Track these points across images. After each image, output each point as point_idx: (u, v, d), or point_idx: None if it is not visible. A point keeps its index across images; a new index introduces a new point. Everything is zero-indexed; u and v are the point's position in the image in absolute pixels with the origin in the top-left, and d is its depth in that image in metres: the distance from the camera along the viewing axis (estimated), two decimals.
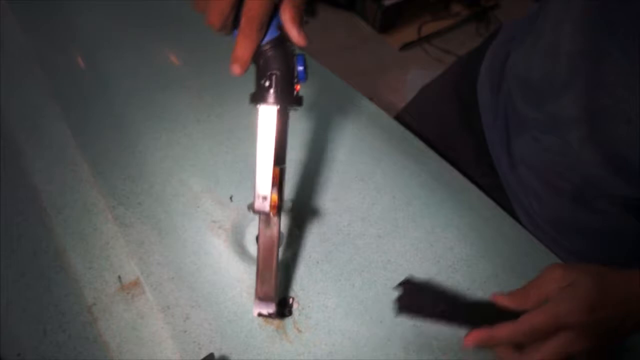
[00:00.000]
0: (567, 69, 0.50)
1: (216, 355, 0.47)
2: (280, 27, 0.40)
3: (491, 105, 0.66)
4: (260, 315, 0.48)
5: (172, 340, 0.48)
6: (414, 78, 1.99)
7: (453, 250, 0.55)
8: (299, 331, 0.49)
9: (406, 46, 2.10)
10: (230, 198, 0.59)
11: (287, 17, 0.39)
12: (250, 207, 0.44)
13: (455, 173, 0.63)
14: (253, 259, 0.55)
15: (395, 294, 0.48)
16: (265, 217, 0.46)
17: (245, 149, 0.64)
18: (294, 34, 0.40)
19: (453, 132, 0.75)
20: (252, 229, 0.58)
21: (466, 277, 0.53)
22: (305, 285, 0.52)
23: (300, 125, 0.67)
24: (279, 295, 0.50)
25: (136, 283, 0.52)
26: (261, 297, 0.47)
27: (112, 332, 0.48)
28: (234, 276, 0.53)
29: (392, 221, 0.58)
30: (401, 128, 0.68)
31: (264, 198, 0.42)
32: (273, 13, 0.39)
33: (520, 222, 0.61)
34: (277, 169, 0.43)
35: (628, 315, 0.41)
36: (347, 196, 0.60)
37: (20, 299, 0.51)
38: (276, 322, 0.50)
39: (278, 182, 0.44)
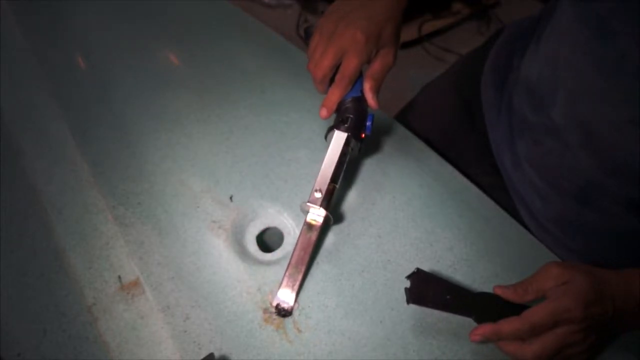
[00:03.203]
0: (556, 77, 0.51)
1: (216, 355, 0.47)
2: (361, 91, 0.55)
3: (495, 104, 0.66)
4: (277, 306, 0.50)
5: (172, 340, 0.48)
6: (415, 77, 1.98)
7: (453, 250, 0.55)
8: (299, 331, 0.49)
9: (406, 45, 2.09)
10: (230, 198, 0.59)
11: (367, 86, 0.54)
12: (302, 206, 0.53)
13: (455, 173, 0.63)
14: (253, 259, 0.55)
15: (400, 287, 0.49)
16: (308, 223, 0.53)
17: (245, 149, 0.64)
18: (370, 99, 0.54)
19: (454, 131, 0.75)
20: (252, 229, 0.58)
21: (466, 277, 0.53)
22: (305, 285, 0.52)
23: (301, 126, 0.67)
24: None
25: (136, 283, 0.52)
26: (284, 290, 0.51)
27: (112, 332, 0.49)
28: (234, 276, 0.53)
29: (392, 221, 0.58)
30: (401, 128, 0.68)
31: (319, 192, 0.52)
32: (359, 78, 0.55)
33: (522, 221, 0.61)
34: (332, 186, 0.53)
35: (620, 312, 0.43)
36: (347, 196, 0.60)
37: (20, 299, 0.51)
38: (276, 322, 0.50)
39: (330, 195, 0.53)
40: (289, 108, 0.69)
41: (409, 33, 2.12)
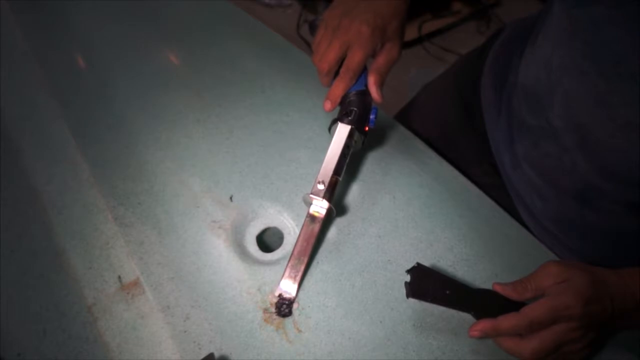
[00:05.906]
0: (553, 80, 0.51)
1: (216, 355, 0.47)
2: (366, 85, 0.55)
3: (495, 105, 0.66)
4: (277, 303, 0.51)
5: (172, 340, 0.48)
6: (415, 77, 1.98)
7: (453, 250, 0.55)
8: (299, 331, 0.49)
9: (406, 45, 2.09)
10: (230, 198, 0.59)
11: (371, 80, 0.54)
12: (305, 198, 0.53)
13: (455, 173, 0.63)
14: (253, 258, 0.55)
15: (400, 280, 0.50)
16: (311, 215, 0.54)
17: (245, 149, 0.64)
18: (374, 92, 0.55)
19: (454, 131, 0.75)
20: (252, 229, 0.58)
21: (466, 277, 0.53)
22: (305, 285, 0.52)
23: (301, 126, 0.67)
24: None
25: (136, 283, 0.52)
26: (287, 281, 0.51)
27: (112, 332, 0.49)
28: (234, 276, 0.53)
29: (392, 221, 0.58)
30: (401, 128, 0.68)
31: (322, 183, 0.52)
32: (363, 71, 0.56)
33: (522, 221, 0.61)
34: (335, 178, 0.53)
35: (619, 311, 0.44)
36: (347, 196, 0.60)
37: (20, 299, 0.51)
38: (276, 322, 0.50)
39: (333, 187, 0.53)
40: (289, 108, 0.69)
41: (409, 33, 2.12)
